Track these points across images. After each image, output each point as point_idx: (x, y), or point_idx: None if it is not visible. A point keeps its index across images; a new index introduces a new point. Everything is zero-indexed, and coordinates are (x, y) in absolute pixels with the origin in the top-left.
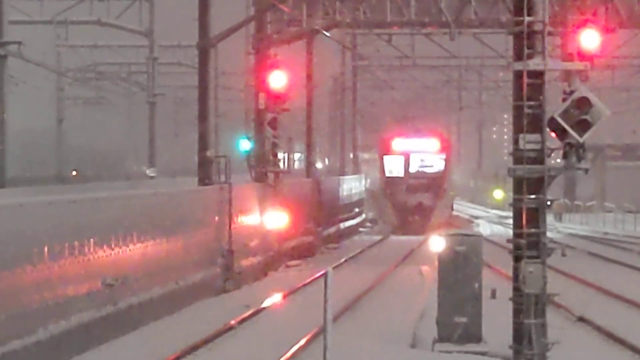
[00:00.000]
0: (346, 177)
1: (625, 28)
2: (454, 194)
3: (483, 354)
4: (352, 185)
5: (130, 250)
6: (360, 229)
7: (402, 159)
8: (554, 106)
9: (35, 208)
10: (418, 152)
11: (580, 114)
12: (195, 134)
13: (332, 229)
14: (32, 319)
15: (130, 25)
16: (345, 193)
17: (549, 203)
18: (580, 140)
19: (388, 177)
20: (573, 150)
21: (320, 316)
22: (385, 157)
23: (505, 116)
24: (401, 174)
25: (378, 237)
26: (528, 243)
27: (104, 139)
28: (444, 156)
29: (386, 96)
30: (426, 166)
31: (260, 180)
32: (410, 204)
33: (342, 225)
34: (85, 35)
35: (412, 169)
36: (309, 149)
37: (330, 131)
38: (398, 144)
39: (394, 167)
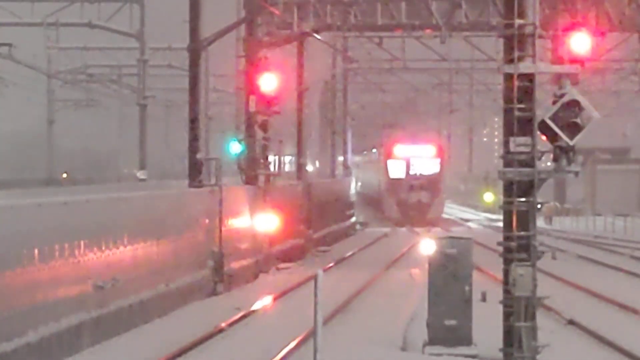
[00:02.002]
0: (344, 179)
1: (615, 32)
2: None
3: (473, 356)
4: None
5: (120, 252)
6: (351, 233)
7: (403, 163)
8: (545, 109)
9: (25, 210)
10: (417, 157)
11: (570, 116)
12: (185, 137)
13: (324, 231)
14: (22, 321)
15: (121, 28)
16: (341, 195)
17: (539, 206)
18: (571, 143)
19: (391, 179)
20: (563, 153)
21: (310, 319)
22: (389, 161)
23: (496, 119)
24: (403, 175)
25: (369, 241)
26: (518, 246)
27: (94, 141)
28: (439, 160)
29: (377, 99)
30: (424, 169)
31: (251, 183)
32: (411, 201)
33: (334, 227)
34: (76, 37)
35: (412, 171)
36: (300, 152)
37: (321, 134)
38: (400, 150)
39: (396, 170)
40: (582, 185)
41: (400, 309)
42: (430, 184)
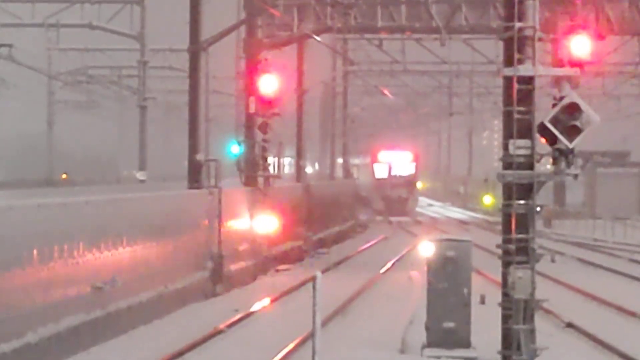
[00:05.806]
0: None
1: (615, 35)
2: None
3: (472, 359)
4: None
5: (119, 253)
6: (350, 235)
7: (386, 165)
8: (544, 112)
9: (25, 211)
10: (397, 161)
11: (570, 119)
12: (185, 138)
13: (323, 233)
14: (21, 322)
15: (121, 29)
16: (340, 197)
17: (538, 209)
18: (570, 146)
19: (377, 179)
20: (562, 156)
21: (309, 321)
22: (375, 165)
23: (496, 122)
24: (386, 176)
25: (368, 243)
26: (517, 249)
27: (94, 143)
28: (414, 164)
29: (377, 101)
30: (402, 171)
31: (250, 185)
32: (393, 196)
33: (334, 229)
34: (76, 38)
35: (393, 172)
36: (299, 154)
37: (321, 136)
38: (383, 155)
39: (381, 171)
40: (582, 188)
41: (399, 312)
42: (408, 182)
